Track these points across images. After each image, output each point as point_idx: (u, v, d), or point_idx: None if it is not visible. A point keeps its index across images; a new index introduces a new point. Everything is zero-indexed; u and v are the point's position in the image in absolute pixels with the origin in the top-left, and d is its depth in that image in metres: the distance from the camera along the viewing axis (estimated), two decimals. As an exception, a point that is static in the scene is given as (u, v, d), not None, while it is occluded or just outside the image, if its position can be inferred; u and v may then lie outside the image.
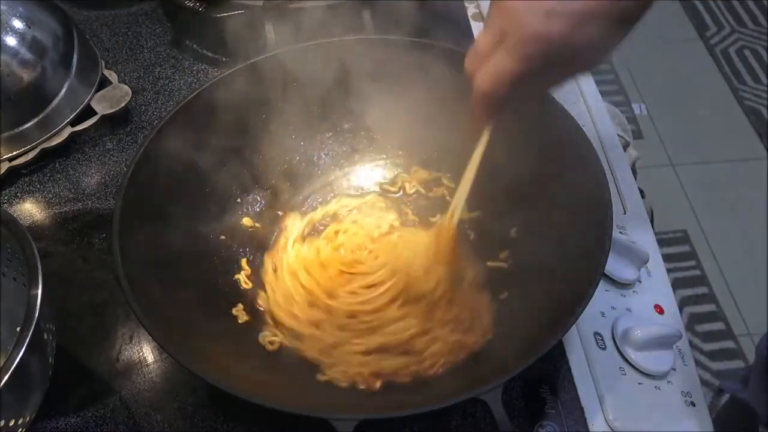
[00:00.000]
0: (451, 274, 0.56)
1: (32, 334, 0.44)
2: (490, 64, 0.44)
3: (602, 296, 0.60)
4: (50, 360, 0.50)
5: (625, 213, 0.68)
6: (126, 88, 0.75)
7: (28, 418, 0.47)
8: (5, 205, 0.69)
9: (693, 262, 1.65)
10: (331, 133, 0.69)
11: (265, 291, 0.60)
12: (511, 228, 0.61)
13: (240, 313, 0.57)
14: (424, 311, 0.56)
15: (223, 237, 0.61)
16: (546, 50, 0.41)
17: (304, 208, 0.67)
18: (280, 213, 0.65)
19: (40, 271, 0.48)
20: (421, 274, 0.56)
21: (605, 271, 0.60)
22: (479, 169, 0.53)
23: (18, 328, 0.45)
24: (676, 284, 1.59)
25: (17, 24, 0.69)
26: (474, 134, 0.53)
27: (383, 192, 0.68)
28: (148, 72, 0.81)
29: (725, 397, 0.73)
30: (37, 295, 0.46)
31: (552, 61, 0.42)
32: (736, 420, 0.66)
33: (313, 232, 0.65)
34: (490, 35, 0.44)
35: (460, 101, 0.59)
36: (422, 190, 0.68)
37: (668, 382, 0.56)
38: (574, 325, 0.56)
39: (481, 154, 0.53)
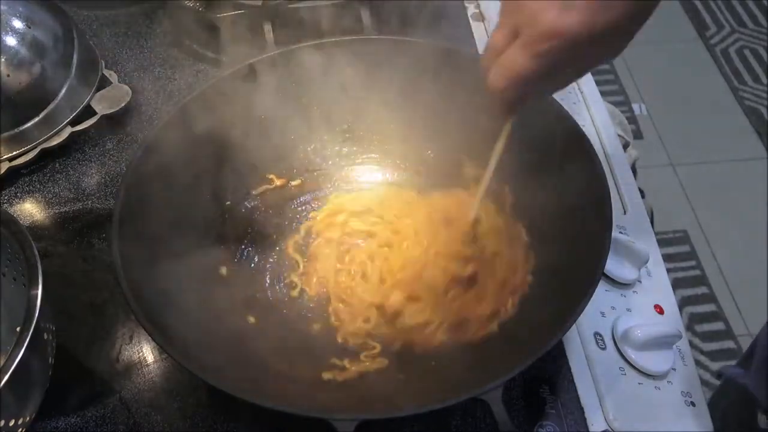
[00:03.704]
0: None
1: (32, 334, 0.44)
2: (502, 62, 0.43)
3: (602, 296, 0.60)
4: (50, 360, 0.50)
5: (625, 213, 0.68)
6: (126, 88, 0.75)
7: (28, 418, 0.47)
8: (5, 205, 0.69)
9: (693, 262, 1.65)
10: (329, 134, 0.69)
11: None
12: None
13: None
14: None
15: (223, 236, 0.61)
16: (562, 45, 0.39)
17: (303, 211, 0.67)
18: (279, 212, 0.65)
19: (40, 271, 0.48)
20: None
21: (605, 271, 0.60)
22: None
23: (18, 328, 0.45)
24: (676, 284, 1.59)
25: (17, 24, 0.69)
26: (492, 128, 0.52)
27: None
28: (148, 72, 0.81)
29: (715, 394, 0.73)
30: (37, 295, 0.46)
31: (567, 57, 0.41)
32: (730, 404, 0.66)
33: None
34: (503, 32, 0.43)
35: (460, 101, 0.60)
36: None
37: (668, 382, 0.56)
38: (574, 325, 0.56)
39: (502, 150, 0.52)
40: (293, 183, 0.67)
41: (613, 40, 0.41)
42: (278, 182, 0.66)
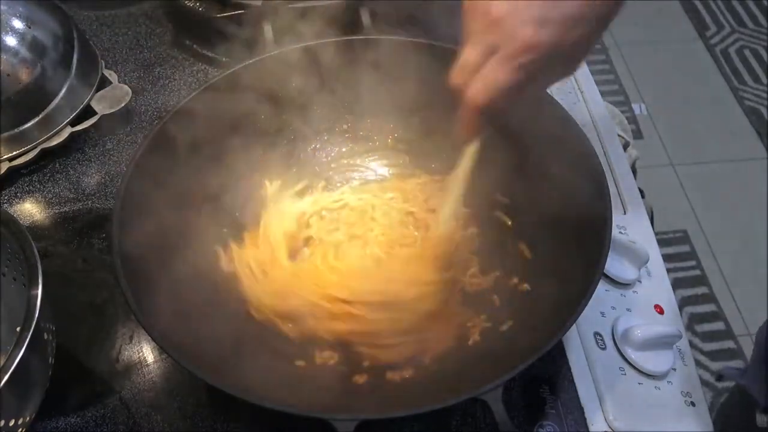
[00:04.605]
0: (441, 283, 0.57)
1: (32, 334, 0.44)
2: (483, 77, 0.45)
3: (602, 296, 0.60)
4: (50, 360, 0.50)
5: (625, 213, 0.68)
6: (126, 88, 0.75)
7: (28, 418, 0.47)
8: (5, 205, 0.69)
9: (693, 262, 1.65)
10: (330, 134, 0.69)
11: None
12: (510, 229, 0.61)
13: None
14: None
15: (223, 236, 0.61)
16: (539, 58, 0.43)
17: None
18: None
19: (40, 271, 0.48)
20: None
21: (605, 271, 0.60)
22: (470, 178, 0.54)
23: (18, 328, 0.45)
24: (676, 284, 1.59)
25: (17, 24, 0.69)
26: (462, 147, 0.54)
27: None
28: (148, 72, 0.81)
29: (725, 397, 0.73)
30: (37, 295, 0.46)
31: (544, 67, 0.44)
32: (737, 413, 0.66)
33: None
34: (478, 49, 0.45)
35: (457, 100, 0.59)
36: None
37: (668, 382, 0.56)
38: (574, 325, 0.56)
39: (471, 169, 0.54)
40: (293, 183, 0.67)
41: (576, 54, 0.46)
42: (277, 184, 0.66)
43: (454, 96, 0.48)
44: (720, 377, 0.63)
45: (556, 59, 0.44)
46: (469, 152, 0.54)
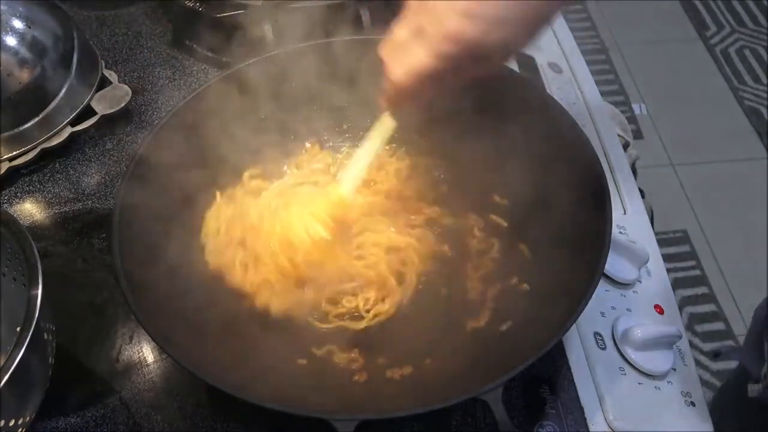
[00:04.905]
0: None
1: (32, 334, 0.44)
2: (406, 58, 0.46)
3: (602, 296, 0.60)
4: (50, 360, 0.50)
5: (625, 213, 0.68)
6: (126, 88, 0.75)
7: (28, 418, 0.47)
8: (5, 205, 0.69)
9: (693, 262, 1.65)
10: (330, 133, 0.69)
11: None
12: (510, 229, 0.61)
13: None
14: None
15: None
16: (460, 50, 0.43)
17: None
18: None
19: (40, 271, 0.48)
20: None
21: (605, 271, 0.60)
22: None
23: (18, 328, 0.45)
24: (676, 284, 1.59)
25: (17, 24, 0.69)
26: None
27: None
28: (148, 72, 0.81)
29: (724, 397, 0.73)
30: (37, 295, 0.46)
31: (464, 60, 0.44)
32: (728, 384, 0.66)
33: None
34: (407, 28, 0.46)
35: (461, 101, 0.59)
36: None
37: (668, 382, 0.56)
38: (574, 325, 0.56)
39: (380, 142, 0.56)
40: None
41: (501, 53, 0.46)
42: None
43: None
44: (716, 355, 0.64)
45: (479, 55, 0.44)
46: (383, 124, 0.55)
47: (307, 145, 0.68)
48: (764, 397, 0.58)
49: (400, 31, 0.46)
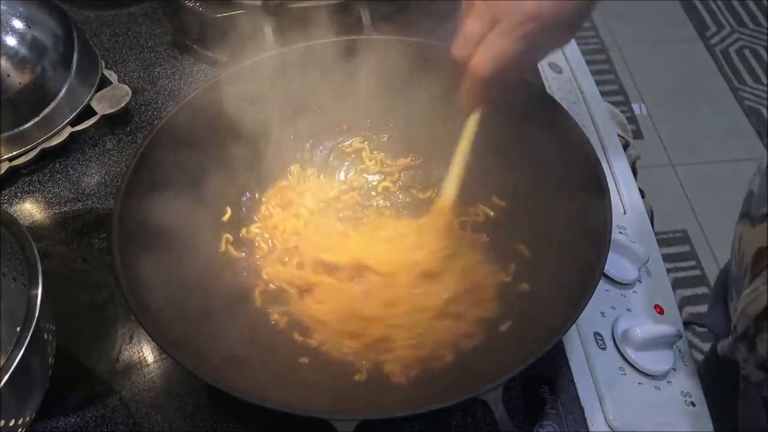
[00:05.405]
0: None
1: (32, 334, 0.44)
2: (487, 48, 0.47)
3: (602, 296, 0.60)
4: (50, 360, 0.50)
5: (625, 213, 0.68)
6: (126, 88, 0.75)
7: (28, 418, 0.47)
8: (5, 205, 0.69)
9: (693, 262, 1.65)
10: (329, 134, 0.69)
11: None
12: (510, 230, 0.61)
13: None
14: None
15: (225, 234, 0.61)
16: (540, 27, 0.46)
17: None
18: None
19: (40, 271, 0.48)
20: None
21: (605, 271, 0.60)
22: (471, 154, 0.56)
23: (18, 328, 0.45)
24: (676, 284, 1.59)
25: (17, 24, 0.69)
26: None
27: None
28: (148, 72, 0.81)
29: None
30: (37, 295, 0.46)
31: (543, 37, 0.47)
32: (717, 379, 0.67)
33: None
34: (479, 22, 0.48)
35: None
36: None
37: (668, 382, 0.56)
38: (574, 325, 0.56)
39: (472, 139, 0.56)
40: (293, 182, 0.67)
41: (575, 22, 0.49)
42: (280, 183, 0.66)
43: (456, 68, 0.50)
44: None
45: (556, 28, 0.47)
46: (471, 124, 0.56)
47: (308, 144, 0.68)
48: (732, 352, 0.59)
49: (473, 25, 0.48)
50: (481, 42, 0.48)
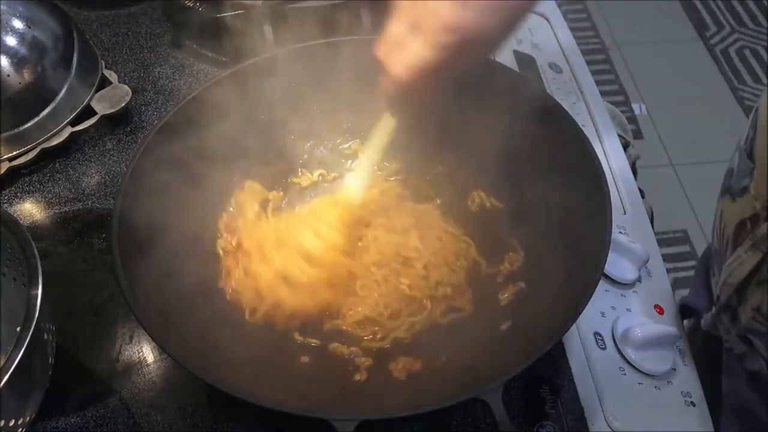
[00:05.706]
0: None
1: (32, 334, 0.44)
2: (406, 54, 0.46)
3: (602, 296, 0.60)
4: (50, 360, 0.50)
5: (625, 213, 0.68)
6: (126, 88, 0.75)
7: (28, 418, 0.47)
8: (5, 205, 0.69)
9: (693, 262, 1.65)
10: (330, 134, 0.69)
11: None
12: (511, 230, 0.61)
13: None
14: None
15: (225, 234, 0.61)
16: (461, 39, 0.44)
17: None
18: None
19: (40, 271, 0.48)
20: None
21: (605, 271, 0.60)
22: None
23: (18, 328, 0.45)
24: (676, 284, 1.59)
25: (17, 24, 0.69)
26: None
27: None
28: (148, 72, 0.81)
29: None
30: (37, 295, 0.46)
31: (464, 48, 0.45)
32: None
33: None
34: (402, 25, 0.46)
35: (461, 99, 0.59)
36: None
37: (668, 382, 0.56)
38: (574, 325, 0.56)
39: (384, 143, 0.57)
40: (294, 180, 0.67)
41: (496, 39, 0.47)
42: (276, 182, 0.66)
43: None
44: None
45: (477, 42, 0.45)
46: (384, 125, 0.56)
47: (308, 145, 0.68)
48: (715, 326, 0.59)
49: (395, 28, 0.47)
50: (400, 45, 0.47)
